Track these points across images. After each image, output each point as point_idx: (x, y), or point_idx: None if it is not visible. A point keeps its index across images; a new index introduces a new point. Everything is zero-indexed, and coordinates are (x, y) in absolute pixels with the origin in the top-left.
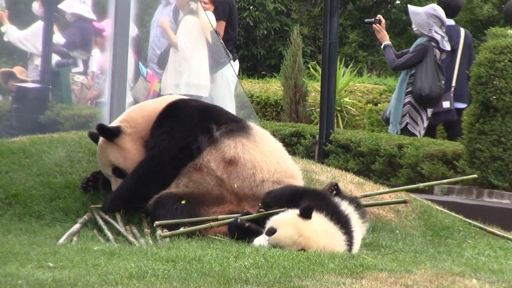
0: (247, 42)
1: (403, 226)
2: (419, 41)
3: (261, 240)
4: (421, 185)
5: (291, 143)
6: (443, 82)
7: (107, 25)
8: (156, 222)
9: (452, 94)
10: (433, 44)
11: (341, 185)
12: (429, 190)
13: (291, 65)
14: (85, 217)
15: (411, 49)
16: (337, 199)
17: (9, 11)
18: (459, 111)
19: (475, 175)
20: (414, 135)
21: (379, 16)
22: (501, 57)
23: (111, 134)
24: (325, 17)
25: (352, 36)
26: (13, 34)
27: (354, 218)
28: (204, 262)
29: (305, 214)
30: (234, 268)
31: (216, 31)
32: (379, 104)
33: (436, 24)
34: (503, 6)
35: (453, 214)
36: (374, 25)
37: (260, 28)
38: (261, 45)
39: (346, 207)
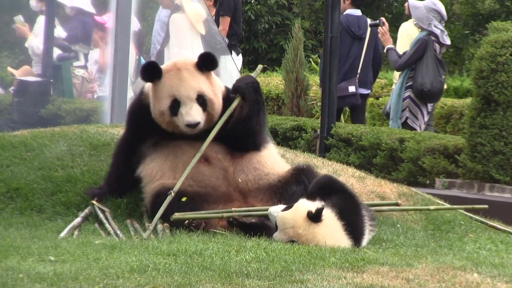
0: (249, 36)
1: (404, 220)
2: (418, 36)
3: (276, 209)
4: (432, 207)
5: (292, 137)
6: (443, 76)
7: (108, 19)
8: (176, 214)
9: (357, 80)
10: (433, 38)
11: (342, 179)
12: (430, 184)
13: (293, 59)
14: (86, 211)
15: (411, 44)
16: (362, 208)
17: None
18: (363, 96)
19: (486, 206)
20: (415, 129)
21: (383, 19)
22: (503, 51)
23: (211, 65)
24: (327, 11)
25: None
26: (37, 45)
27: (367, 227)
28: (205, 256)
29: (313, 219)
30: (235, 262)
31: (209, 19)
32: (380, 98)
33: (436, 18)
34: None
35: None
36: (379, 27)
37: (261, 22)
38: (262, 39)
39: (365, 213)
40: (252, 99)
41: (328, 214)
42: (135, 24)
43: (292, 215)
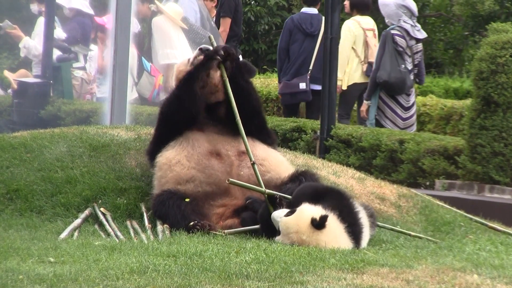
0: (248, 37)
1: (404, 222)
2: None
3: (279, 214)
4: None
5: (292, 138)
6: (403, 66)
7: (108, 20)
8: (231, 180)
9: (308, 77)
10: (395, 32)
11: (342, 180)
12: (430, 186)
13: None
14: (86, 212)
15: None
16: (355, 203)
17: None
18: (316, 92)
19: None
20: (384, 126)
21: None
22: (502, 52)
23: None
24: (326, 12)
25: None
26: (35, 46)
27: (366, 225)
28: (205, 257)
29: (317, 226)
30: (235, 263)
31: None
32: None
33: (406, 14)
34: (504, 1)
35: (454, 209)
36: None
37: (261, 23)
38: (262, 40)
39: (362, 212)
40: (234, 58)
41: (331, 219)
42: (134, 26)
43: (295, 220)
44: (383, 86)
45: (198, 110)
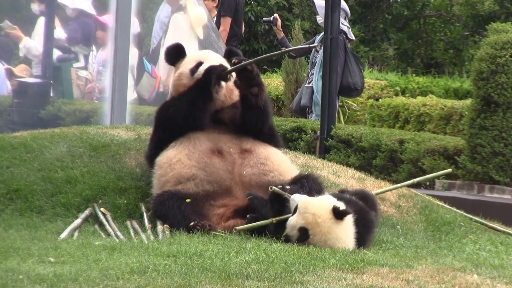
0: (249, 37)
1: (404, 222)
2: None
3: (298, 196)
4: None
5: (292, 138)
6: (362, 71)
7: (109, 20)
8: (238, 228)
9: None
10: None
11: (342, 180)
12: (430, 186)
13: (292, 60)
14: (86, 212)
15: (316, 43)
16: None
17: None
18: None
19: (450, 170)
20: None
21: (276, 15)
22: (502, 53)
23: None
24: (327, 12)
25: (354, 31)
26: (36, 46)
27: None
28: (205, 257)
29: (337, 215)
30: (235, 263)
31: (210, 25)
32: (380, 100)
33: (341, 16)
34: (504, 1)
35: (454, 209)
36: (274, 26)
37: (261, 23)
38: (262, 40)
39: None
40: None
41: (349, 218)
42: (135, 26)
43: (317, 202)
44: (357, 93)
45: (207, 116)
